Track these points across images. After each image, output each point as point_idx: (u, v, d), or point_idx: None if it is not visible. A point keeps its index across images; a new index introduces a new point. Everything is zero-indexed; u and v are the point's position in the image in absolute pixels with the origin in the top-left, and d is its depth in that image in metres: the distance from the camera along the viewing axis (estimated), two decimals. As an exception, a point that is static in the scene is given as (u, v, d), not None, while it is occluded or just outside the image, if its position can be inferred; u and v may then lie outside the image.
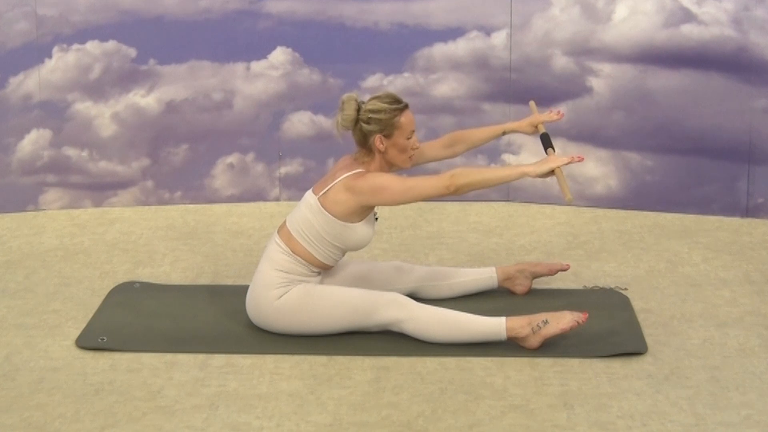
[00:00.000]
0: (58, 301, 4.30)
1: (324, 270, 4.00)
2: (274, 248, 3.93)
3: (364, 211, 3.90)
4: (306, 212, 3.91)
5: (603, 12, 5.25)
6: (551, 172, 3.79)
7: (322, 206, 3.88)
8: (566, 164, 3.79)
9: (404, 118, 3.87)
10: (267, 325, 3.95)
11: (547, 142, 4.04)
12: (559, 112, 4.18)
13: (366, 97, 3.92)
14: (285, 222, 3.97)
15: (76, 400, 3.51)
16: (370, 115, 3.85)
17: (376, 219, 4.02)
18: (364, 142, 3.90)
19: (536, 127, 4.18)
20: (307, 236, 3.90)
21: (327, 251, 3.92)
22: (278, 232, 3.96)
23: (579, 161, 3.81)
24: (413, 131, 3.90)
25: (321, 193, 3.89)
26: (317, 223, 3.89)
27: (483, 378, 3.65)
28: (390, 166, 3.94)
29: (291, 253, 3.90)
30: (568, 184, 3.79)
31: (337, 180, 3.87)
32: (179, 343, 3.90)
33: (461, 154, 4.24)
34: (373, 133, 3.86)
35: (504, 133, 4.24)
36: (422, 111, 5.39)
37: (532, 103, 4.33)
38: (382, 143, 3.87)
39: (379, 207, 3.99)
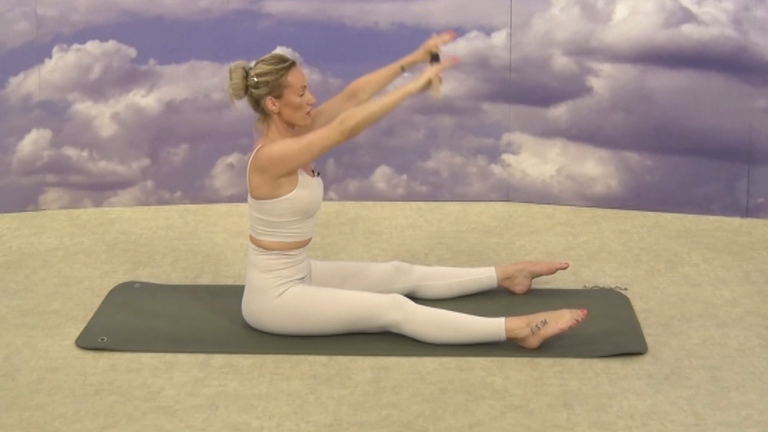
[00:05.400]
0: (58, 301, 4.30)
1: (304, 247, 3.97)
2: (251, 254, 3.95)
3: (289, 179, 3.87)
4: (251, 212, 3.94)
5: (603, 12, 5.25)
6: (429, 83, 3.85)
7: (255, 198, 3.89)
8: (441, 70, 3.84)
9: (291, 77, 3.86)
10: (266, 328, 3.95)
11: (435, 59, 4.04)
12: (450, 32, 4.15)
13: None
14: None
15: (76, 400, 3.51)
16: (257, 79, 3.85)
17: (318, 174, 4.01)
18: (257, 107, 3.90)
19: (430, 52, 4.14)
20: (264, 229, 3.91)
21: (289, 230, 3.91)
22: (250, 240, 3.98)
23: (454, 63, 3.90)
24: (304, 87, 3.88)
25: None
26: (261, 213, 3.89)
27: (483, 378, 3.65)
28: (290, 127, 3.93)
29: (265, 250, 3.91)
30: (440, 88, 3.88)
31: (248, 167, 3.88)
32: (179, 343, 3.90)
33: (367, 99, 4.13)
34: (263, 96, 3.86)
35: (403, 69, 4.17)
36: (422, 111, 5.39)
37: (433, 35, 4.28)
38: (274, 104, 3.86)
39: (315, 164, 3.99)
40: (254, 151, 3.87)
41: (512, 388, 3.58)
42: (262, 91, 3.86)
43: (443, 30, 4.18)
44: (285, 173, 3.84)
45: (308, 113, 3.92)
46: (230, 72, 3.90)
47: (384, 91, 4.21)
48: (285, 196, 3.86)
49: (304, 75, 3.90)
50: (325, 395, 3.55)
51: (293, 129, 3.96)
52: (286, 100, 3.87)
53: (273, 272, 3.91)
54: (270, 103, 3.86)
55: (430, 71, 3.88)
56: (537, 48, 5.33)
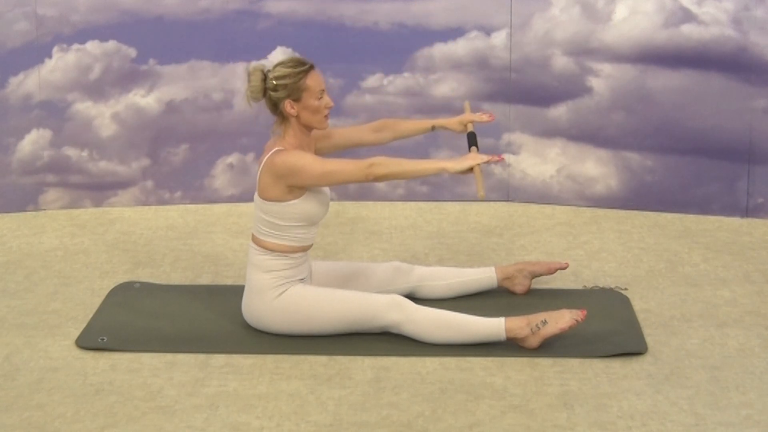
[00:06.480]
0: (58, 301, 4.30)
1: (306, 251, 3.98)
2: (252, 253, 3.94)
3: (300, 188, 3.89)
4: (257, 211, 3.93)
5: (603, 12, 5.25)
6: (470, 170, 3.81)
7: (262, 198, 3.89)
8: (485, 162, 3.81)
9: (310, 80, 3.86)
10: (266, 328, 3.95)
11: (472, 141, 4.05)
12: (490, 114, 4.19)
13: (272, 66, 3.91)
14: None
15: (76, 400, 3.51)
16: (276, 82, 3.84)
17: None
18: (275, 109, 3.90)
19: (465, 126, 4.18)
20: (268, 231, 3.90)
21: (293, 234, 3.90)
22: (251, 239, 3.98)
23: (498, 161, 3.85)
24: (323, 91, 3.88)
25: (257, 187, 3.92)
26: (267, 215, 3.88)
27: (483, 378, 3.65)
28: (308, 130, 3.93)
29: (266, 250, 3.91)
30: (484, 182, 3.80)
31: (261, 165, 3.88)
32: (179, 343, 3.90)
33: (388, 142, 4.20)
34: (282, 99, 3.85)
35: (433, 128, 4.21)
36: (422, 111, 5.39)
37: (467, 103, 4.33)
38: (293, 108, 3.86)
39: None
40: (271, 152, 3.86)
41: (512, 388, 3.58)
42: (281, 94, 3.85)
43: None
44: (296, 186, 3.84)
45: (326, 117, 3.92)
46: (249, 74, 3.89)
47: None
48: (293, 201, 3.86)
49: (322, 78, 3.90)
50: (325, 395, 3.55)
51: (310, 132, 3.96)
52: (305, 103, 3.86)
53: (274, 273, 3.90)
54: (288, 106, 3.86)
55: (474, 160, 3.81)
56: (537, 48, 5.33)
